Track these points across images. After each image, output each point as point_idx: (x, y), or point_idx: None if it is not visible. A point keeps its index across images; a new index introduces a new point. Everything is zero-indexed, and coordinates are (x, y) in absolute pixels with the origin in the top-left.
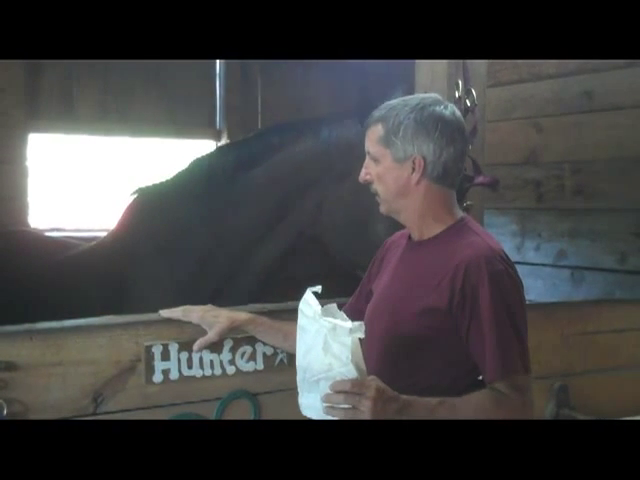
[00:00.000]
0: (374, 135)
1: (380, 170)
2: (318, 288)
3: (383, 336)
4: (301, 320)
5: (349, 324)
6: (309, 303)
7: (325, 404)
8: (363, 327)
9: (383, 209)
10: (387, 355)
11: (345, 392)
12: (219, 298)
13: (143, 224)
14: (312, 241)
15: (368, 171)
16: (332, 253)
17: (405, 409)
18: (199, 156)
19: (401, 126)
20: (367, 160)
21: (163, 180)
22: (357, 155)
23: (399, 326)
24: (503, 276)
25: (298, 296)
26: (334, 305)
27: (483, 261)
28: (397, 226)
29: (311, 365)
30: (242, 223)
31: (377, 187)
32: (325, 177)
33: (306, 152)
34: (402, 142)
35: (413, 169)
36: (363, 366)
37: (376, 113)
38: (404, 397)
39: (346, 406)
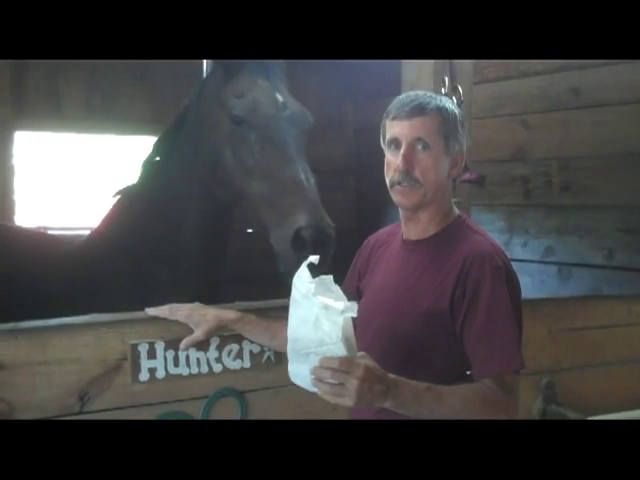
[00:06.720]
0: (433, 123)
1: (431, 160)
2: (315, 258)
3: (383, 336)
4: (294, 294)
5: (341, 305)
6: (302, 278)
7: (313, 377)
8: (356, 306)
9: (414, 200)
10: (387, 355)
11: (333, 369)
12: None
13: (125, 224)
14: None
15: (410, 159)
16: (250, 199)
17: (392, 390)
18: (144, 157)
19: (456, 120)
20: (406, 149)
21: (134, 181)
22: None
23: (401, 326)
24: (506, 274)
25: (279, 294)
26: (330, 277)
27: (487, 258)
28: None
29: (301, 338)
30: (184, 205)
31: (422, 175)
32: (209, 128)
33: (195, 115)
34: (454, 136)
35: (455, 164)
36: (354, 344)
37: (431, 102)
38: (392, 377)
39: (333, 381)
